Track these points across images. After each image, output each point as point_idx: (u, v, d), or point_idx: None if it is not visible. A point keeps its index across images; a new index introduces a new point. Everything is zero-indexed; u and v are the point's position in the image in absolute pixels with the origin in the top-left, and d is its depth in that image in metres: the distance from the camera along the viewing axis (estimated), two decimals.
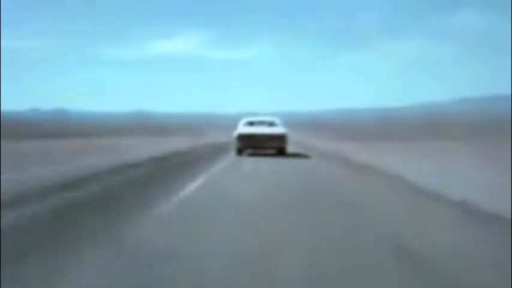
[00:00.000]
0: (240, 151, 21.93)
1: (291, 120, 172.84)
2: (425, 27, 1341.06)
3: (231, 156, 21.25)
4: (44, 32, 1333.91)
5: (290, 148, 23.11)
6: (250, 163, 17.71)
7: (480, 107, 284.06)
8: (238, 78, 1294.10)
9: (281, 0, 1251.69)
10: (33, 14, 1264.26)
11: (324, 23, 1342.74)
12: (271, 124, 23.39)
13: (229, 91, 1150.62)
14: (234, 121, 50.64)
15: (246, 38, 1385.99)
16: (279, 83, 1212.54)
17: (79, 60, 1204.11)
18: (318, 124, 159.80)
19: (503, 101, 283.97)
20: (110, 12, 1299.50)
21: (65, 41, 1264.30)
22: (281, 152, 21.65)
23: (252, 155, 22.22)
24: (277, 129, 22.48)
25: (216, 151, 26.85)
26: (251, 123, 23.50)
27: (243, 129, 22.51)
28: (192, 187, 9.90)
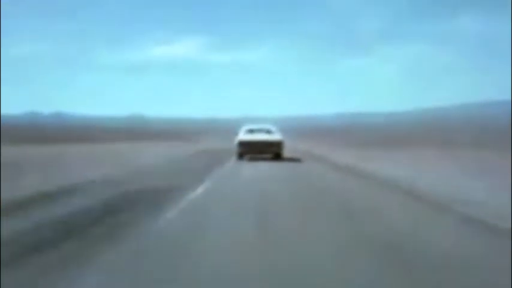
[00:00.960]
0: (240, 156, 24.04)
1: (292, 125, 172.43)
2: (427, 32, 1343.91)
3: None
4: (43, 36, 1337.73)
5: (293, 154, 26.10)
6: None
7: (481, 112, 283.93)
8: (239, 82, 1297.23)
9: (281, 4, 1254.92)
10: (33, 18, 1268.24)
11: (325, 27, 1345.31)
12: (268, 132, 25.55)
13: (230, 96, 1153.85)
14: (235, 126, 50.48)
15: (246, 42, 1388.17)
16: (280, 87, 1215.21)
17: (78, 65, 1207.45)
18: (318, 129, 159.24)
19: (504, 107, 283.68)
20: (108, 17, 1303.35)
21: (63, 45, 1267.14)
22: (278, 157, 23.96)
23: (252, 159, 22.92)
24: (274, 137, 24.80)
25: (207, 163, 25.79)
26: (251, 131, 25.63)
27: (243, 136, 24.78)
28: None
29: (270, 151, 24.14)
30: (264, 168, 19.01)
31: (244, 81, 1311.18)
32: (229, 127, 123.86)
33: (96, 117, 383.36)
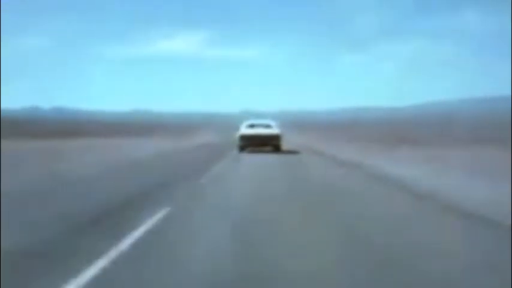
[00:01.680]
0: (242, 149, 25.72)
1: (293, 120, 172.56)
2: (428, 28, 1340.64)
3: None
4: (45, 31, 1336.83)
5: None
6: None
7: (482, 107, 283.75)
8: (240, 77, 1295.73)
9: (283, 1, 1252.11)
10: (36, 13, 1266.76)
11: (326, 24, 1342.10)
12: (268, 126, 27.31)
13: (231, 90, 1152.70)
14: (236, 120, 51.58)
15: (247, 38, 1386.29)
16: (281, 83, 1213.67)
17: (79, 60, 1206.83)
18: (320, 123, 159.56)
19: (503, 102, 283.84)
20: (110, 12, 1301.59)
21: (65, 40, 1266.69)
22: (277, 149, 25.77)
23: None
24: (273, 131, 26.59)
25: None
26: (251, 126, 27.30)
27: (244, 130, 26.61)
28: None
29: (270, 144, 25.98)
30: (264, 160, 19.77)
31: (245, 76, 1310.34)
32: (231, 121, 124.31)
33: (99, 111, 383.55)
